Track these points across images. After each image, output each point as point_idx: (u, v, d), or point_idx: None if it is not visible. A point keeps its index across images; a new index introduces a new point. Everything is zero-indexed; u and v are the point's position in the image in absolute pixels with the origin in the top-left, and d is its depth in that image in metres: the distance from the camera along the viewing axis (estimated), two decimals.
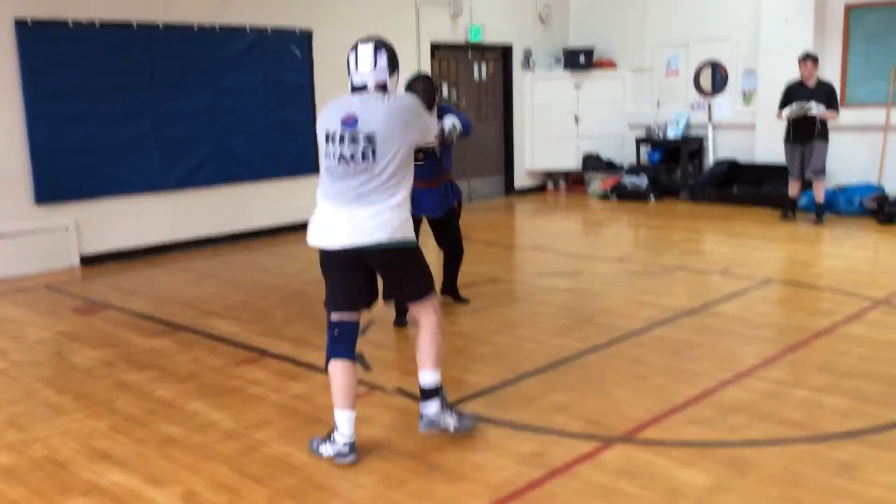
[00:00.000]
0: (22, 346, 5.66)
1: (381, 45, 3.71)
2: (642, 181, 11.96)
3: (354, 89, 3.75)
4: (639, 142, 12.53)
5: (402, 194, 3.73)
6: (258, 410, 4.34)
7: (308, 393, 4.57)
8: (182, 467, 3.70)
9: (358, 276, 3.76)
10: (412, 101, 3.81)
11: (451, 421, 3.84)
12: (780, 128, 9.67)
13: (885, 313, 5.81)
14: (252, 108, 9.55)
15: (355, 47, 3.73)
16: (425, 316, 3.86)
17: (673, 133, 12.20)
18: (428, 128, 3.87)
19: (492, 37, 12.27)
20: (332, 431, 3.75)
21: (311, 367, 5.01)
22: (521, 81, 12.86)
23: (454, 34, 11.79)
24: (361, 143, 3.61)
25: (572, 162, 13.04)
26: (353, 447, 3.70)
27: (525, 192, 13.11)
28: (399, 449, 3.83)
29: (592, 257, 7.99)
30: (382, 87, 3.72)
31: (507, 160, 13.04)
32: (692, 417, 4.08)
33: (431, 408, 3.79)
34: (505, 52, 12.70)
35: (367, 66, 3.68)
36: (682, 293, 6.53)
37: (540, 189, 13.34)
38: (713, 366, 4.81)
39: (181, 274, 7.84)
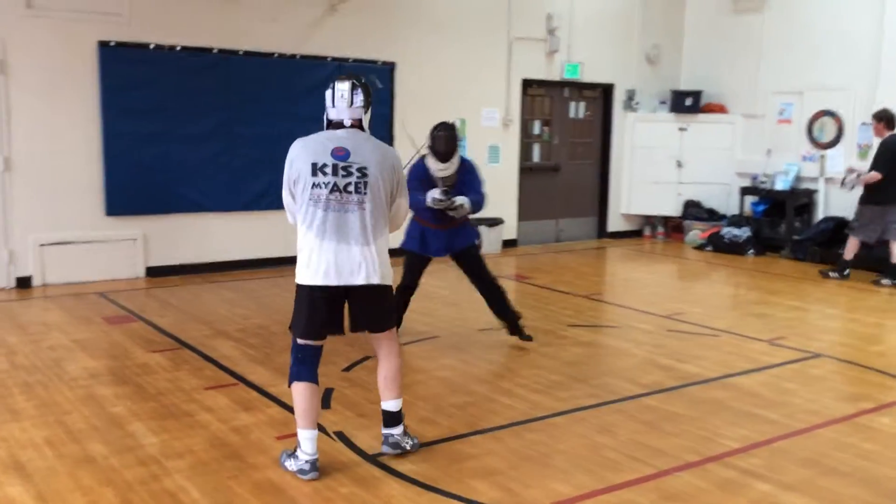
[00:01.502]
0: (34, 349, 5.93)
1: (357, 83, 3.86)
2: (743, 234, 11.23)
3: (330, 124, 3.91)
4: (744, 191, 11.80)
5: (387, 234, 3.97)
6: (190, 439, 4.31)
7: (249, 426, 4.50)
8: (78, 489, 3.71)
9: (338, 310, 3.94)
10: (396, 155, 3.99)
11: (409, 442, 4.10)
12: None
13: None
14: None
15: (333, 85, 3.88)
16: (389, 345, 4.07)
17: (781, 185, 11.40)
18: (401, 187, 3.99)
19: (591, 75, 11.95)
20: (297, 447, 3.85)
21: (273, 398, 4.94)
22: (622, 122, 12.43)
23: (549, 71, 11.56)
24: (354, 175, 3.77)
25: (672, 208, 12.44)
26: (314, 464, 3.81)
27: (619, 235, 12.62)
28: (290, 495, 3.67)
29: (642, 311, 7.53)
30: (359, 124, 3.89)
31: (601, 202, 12.60)
32: (621, 501, 3.69)
33: (397, 431, 4.05)
34: (606, 91, 12.33)
35: (343, 104, 3.84)
36: (709, 359, 6.00)
37: (635, 234, 12.80)
38: (684, 445, 4.35)
39: (226, 293, 8.01)
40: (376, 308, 3.98)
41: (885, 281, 8.91)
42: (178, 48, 8.65)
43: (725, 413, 4.88)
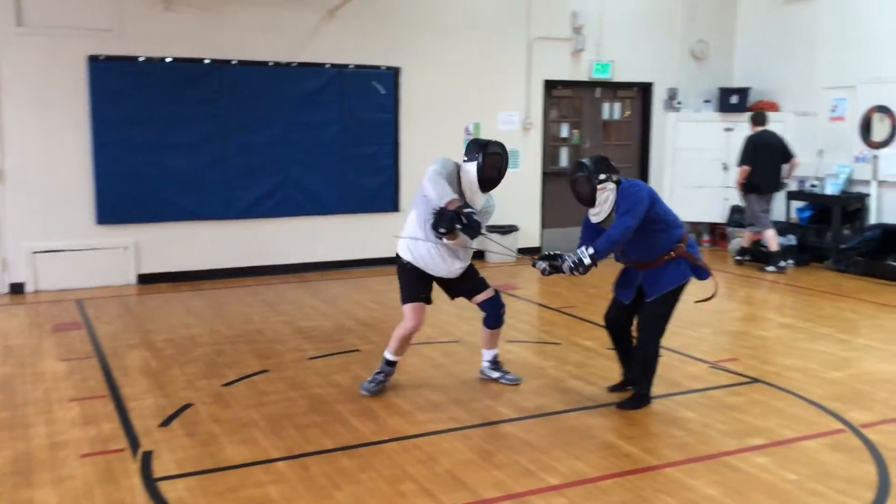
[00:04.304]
0: None
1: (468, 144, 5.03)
2: (785, 242, 10.33)
3: None
4: (790, 196, 10.87)
5: (408, 223, 5.12)
6: (13, 448, 4.30)
7: (69, 442, 4.45)
8: None
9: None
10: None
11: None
12: None
13: (830, 444, 4.43)
14: (326, 142, 9.64)
15: None
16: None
17: (831, 188, 10.42)
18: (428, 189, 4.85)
19: (627, 74, 11.35)
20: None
21: (123, 414, 4.88)
22: (663, 122, 11.72)
23: (575, 71, 11.05)
24: None
25: (718, 214, 11.62)
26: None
27: None
28: None
29: (602, 326, 6.99)
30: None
31: None
32: None
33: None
34: (644, 90, 11.67)
35: None
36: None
37: None
38: (497, 479, 3.96)
39: (197, 301, 8.08)
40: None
41: (769, 268, 9.71)
42: (169, 59, 8.81)
43: (583, 443, 4.42)
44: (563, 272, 4.66)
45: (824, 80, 10.73)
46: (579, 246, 4.72)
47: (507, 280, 9.20)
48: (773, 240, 9.76)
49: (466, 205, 4.81)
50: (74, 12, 8.42)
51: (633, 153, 11.83)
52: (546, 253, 4.80)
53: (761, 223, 9.80)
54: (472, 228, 4.69)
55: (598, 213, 4.79)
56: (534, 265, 4.80)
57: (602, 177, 4.70)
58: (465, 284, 5.23)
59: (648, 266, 4.82)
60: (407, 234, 5.07)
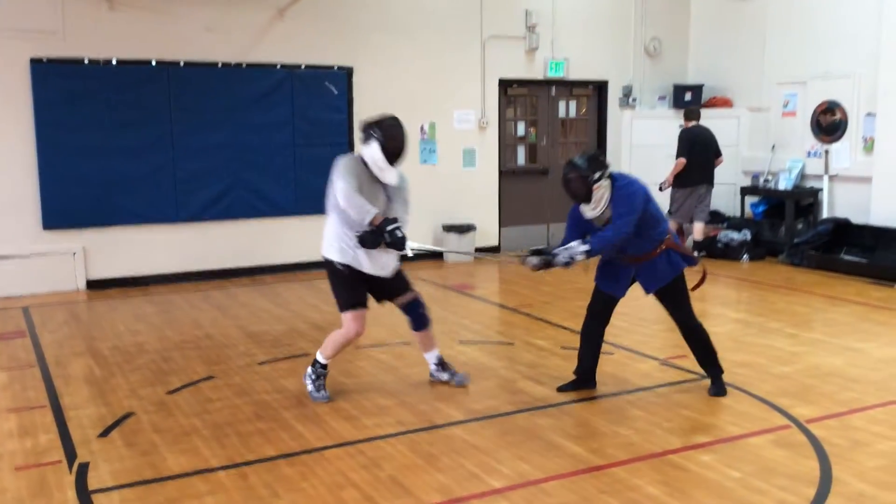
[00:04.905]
0: None
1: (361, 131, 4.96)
2: (739, 237, 10.42)
3: None
4: (744, 191, 10.96)
5: (330, 226, 4.97)
6: None
7: (3, 455, 4.32)
8: None
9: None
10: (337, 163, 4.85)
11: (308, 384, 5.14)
12: None
13: (775, 440, 4.44)
14: (278, 144, 9.53)
15: None
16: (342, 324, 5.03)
17: (784, 183, 10.52)
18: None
19: (582, 72, 11.37)
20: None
21: (62, 425, 4.76)
22: (618, 120, 11.75)
23: (530, 70, 11.05)
24: None
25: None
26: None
27: None
28: None
29: (556, 325, 7.00)
30: None
31: None
32: None
33: (308, 368, 5.14)
34: (600, 88, 11.70)
35: None
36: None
37: None
38: (441, 483, 3.90)
39: (147, 307, 7.94)
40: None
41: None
42: (114, 61, 8.64)
43: (530, 445, 4.38)
44: (556, 267, 4.76)
45: (776, 76, 10.84)
46: (565, 238, 4.89)
47: (464, 279, 9.18)
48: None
49: (391, 220, 4.77)
50: (15, 14, 8.23)
51: (589, 150, 11.81)
52: (535, 248, 4.87)
53: (670, 215, 9.96)
54: (397, 244, 4.77)
55: (594, 209, 4.83)
56: (523, 262, 4.84)
57: (596, 175, 4.73)
58: (393, 283, 5.13)
59: (640, 260, 4.92)
60: (334, 243, 4.93)
